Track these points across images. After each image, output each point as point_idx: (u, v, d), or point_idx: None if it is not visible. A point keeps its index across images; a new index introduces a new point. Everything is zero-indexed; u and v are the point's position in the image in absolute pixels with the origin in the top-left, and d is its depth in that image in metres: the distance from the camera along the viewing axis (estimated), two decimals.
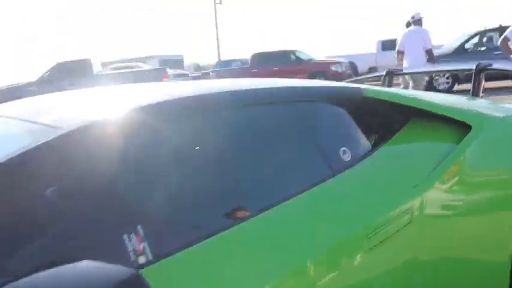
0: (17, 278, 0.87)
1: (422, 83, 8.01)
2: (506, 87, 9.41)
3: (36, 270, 0.88)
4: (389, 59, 14.33)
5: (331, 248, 1.35)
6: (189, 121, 1.40)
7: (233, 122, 1.50)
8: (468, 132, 1.74)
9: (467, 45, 11.93)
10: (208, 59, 37.40)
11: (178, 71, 23.02)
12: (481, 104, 2.12)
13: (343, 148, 1.59)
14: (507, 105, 2.15)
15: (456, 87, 11.33)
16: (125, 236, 1.10)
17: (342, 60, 16.31)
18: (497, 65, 2.74)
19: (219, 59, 29.15)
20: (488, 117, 1.91)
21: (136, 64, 17.71)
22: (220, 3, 34.39)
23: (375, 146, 1.70)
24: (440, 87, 11.22)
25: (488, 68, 2.67)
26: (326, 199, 1.45)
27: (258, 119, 1.56)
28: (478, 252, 1.72)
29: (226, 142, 1.45)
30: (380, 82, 3.20)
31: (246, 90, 1.64)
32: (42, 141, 1.15)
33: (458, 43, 12.05)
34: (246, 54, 17.21)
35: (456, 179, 1.65)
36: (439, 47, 12.29)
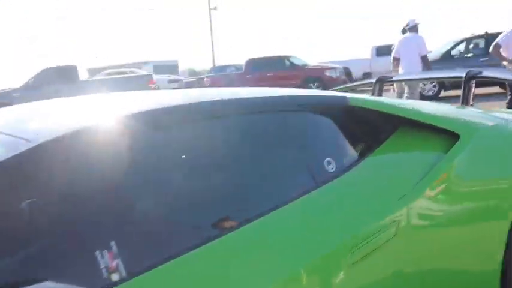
0: None
1: (418, 89, 8.04)
2: (496, 94, 9.42)
3: None
4: (383, 65, 14.38)
5: (314, 261, 1.32)
6: (170, 132, 1.37)
7: (215, 132, 1.47)
8: (456, 142, 1.72)
9: (453, 52, 11.98)
10: (204, 65, 37.42)
11: (173, 77, 23.07)
12: (469, 113, 2.10)
13: (328, 158, 1.56)
14: (496, 114, 2.13)
15: (443, 93, 11.36)
16: (98, 253, 1.07)
17: (337, 66, 16.33)
18: (487, 73, 2.71)
19: (214, 65, 29.18)
20: (477, 126, 1.89)
21: (131, 70, 17.82)
22: (215, 9, 34.51)
23: (361, 155, 1.67)
24: (426, 94, 11.23)
25: (478, 76, 2.65)
26: (309, 212, 1.42)
27: (241, 128, 1.53)
28: (466, 263, 1.69)
29: (205, 152, 1.42)
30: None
31: (229, 100, 1.60)
32: (12, 154, 1.12)
33: (444, 50, 12.09)
34: (243, 59, 17.23)
35: (444, 188, 1.62)
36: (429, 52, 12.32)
